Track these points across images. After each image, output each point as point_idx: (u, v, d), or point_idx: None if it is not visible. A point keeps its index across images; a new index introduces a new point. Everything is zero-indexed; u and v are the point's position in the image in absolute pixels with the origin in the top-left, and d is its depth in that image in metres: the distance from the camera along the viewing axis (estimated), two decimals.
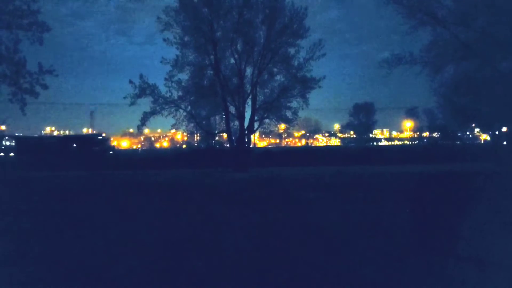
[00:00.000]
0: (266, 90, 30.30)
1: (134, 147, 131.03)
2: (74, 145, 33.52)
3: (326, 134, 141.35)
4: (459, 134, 51.87)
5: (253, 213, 10.96)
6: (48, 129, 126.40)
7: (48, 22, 19.92)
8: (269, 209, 11.55)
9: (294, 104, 29.96)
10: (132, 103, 27.68)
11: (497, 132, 35.34)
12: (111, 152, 42.94)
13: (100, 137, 38.89)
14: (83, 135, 30.30)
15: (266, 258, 6.72)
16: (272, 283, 5.59)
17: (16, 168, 30.57)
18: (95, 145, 38.10)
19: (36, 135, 32.37)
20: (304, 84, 29.28)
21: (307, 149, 70.16)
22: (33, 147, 33.82)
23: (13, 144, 34.23)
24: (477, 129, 51.86)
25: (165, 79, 28.13)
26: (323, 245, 7.53)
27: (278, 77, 30.04)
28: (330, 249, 7.29)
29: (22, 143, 36.18)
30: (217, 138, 43.35)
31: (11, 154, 37.35)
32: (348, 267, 6.24)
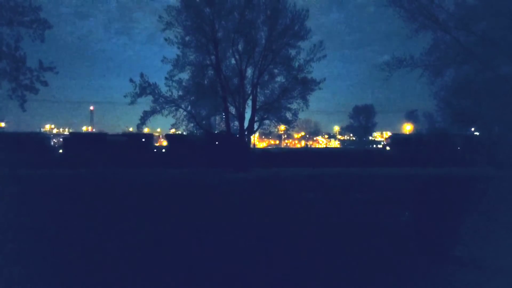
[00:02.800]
0: (266, 91, 30.34)
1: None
2: (217, 142, 34.69)
3: (326, 136, 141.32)
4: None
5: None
6: (47, 127, 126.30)
7: (49, 20, 19.94)
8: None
9: (294, 105, 30.05)
10: (133, 102, 27.68)
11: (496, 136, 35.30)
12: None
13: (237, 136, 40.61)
14: (222, 132, 31.57)
15: None
16: None
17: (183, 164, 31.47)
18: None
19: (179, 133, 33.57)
20: (305, 86, 29.32)
21: (307, 150, 70.24)
22: (180, 145, 35.19)
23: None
24: (476, 133, 51.77)
25: (166, 78, 28.16)
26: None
27: (278, 78, 30.14)
28: (344, 250, 7.29)
29: (173, 141, 37.55)
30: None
31: (163, 151, 38.68)
32: (348, 269, 6.24)
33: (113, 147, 33.80)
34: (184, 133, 31.57)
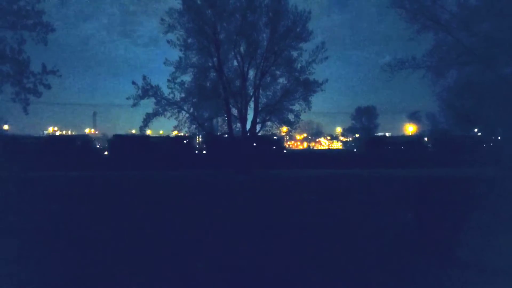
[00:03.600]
0: (268, 93, 30.33)
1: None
2: (254, 144, 35.58)
3: (328, 138, 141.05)
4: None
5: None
6: (50, 129, 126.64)
7: (52, 23, 20.01)
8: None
9: (296, 107, 30.02)
10: (135, 104, 27.75)
11: (499, 137, 35.24)
12: (285, 151, 45.50)
13: (275, 137, 41.09)
14: (265, 135, 32.96)
15: None
16: None
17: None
18: (273, 145, 40.34)
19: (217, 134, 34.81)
20: (307, 87, 29.31)
21: (311, 152, 70.40)
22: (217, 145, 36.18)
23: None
24: (479, 134, 51.64)
25: (168, 80, 28.21)
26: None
27: (280, 80, 30.11)
28: (341, 251, 7.29)
29: (211, 141, 38.27)
30: None
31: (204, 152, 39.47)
32: (349, 271, 6.24)
33: (156, 149, 34.22)
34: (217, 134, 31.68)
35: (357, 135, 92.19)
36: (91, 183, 21.63)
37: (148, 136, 33.94)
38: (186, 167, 31.36)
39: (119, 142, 35.91)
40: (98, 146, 45.77)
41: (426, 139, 51.39)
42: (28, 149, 33.17)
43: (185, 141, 36.68)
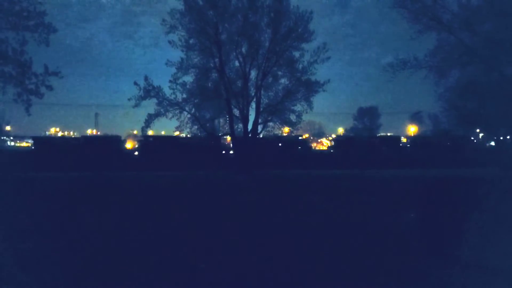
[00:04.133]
0: (270, 93, 30.29)
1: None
2: (280, 145, 37.08)
3: (330, 138, 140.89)
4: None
5: None
6: (52, 130, 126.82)
7: (54, 24, 20.04)
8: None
9: (298, 107, 29.97)
10: (137, 105, 27.76)
11: (501, 138, 35.15)
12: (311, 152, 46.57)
13: (301, 138, 42.08)
14: (292, 136, 34.01)
15: None
16: None
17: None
18: (299, 145, 41.33)
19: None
20: (309, 88, 29.28)
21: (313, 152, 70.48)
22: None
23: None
24: (481, 134, 51.52)
25: (170, 81, 28.22)
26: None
27: (282, 80, 30.07)
28: (339, 250, 7.26)
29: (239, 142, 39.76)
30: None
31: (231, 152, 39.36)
32: (350, 270, 6.21)
33: (185, 150, 34.50)
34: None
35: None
36: (137, 184, 21.83)
37: (177, 137, 34.22)
38: (217, 167, 31.56)
39: (149, 142, 35.85)
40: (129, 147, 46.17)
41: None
42: (65, 149, 34.06)
43: (212, 142, 37.04)
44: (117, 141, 38.15)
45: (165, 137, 38.25)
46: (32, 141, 38.74)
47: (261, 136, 31.46)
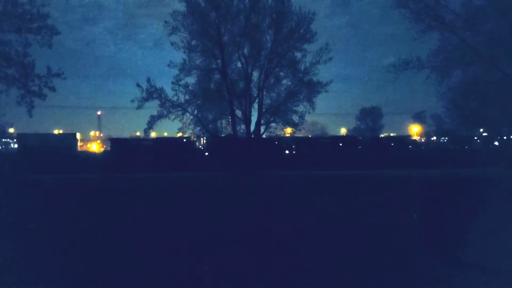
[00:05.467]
0: (272, 94, 30.37)
1: None
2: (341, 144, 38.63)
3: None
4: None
5: None
6: (55, 131, 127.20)
7: (57, 27, 20.11)
8: None
9: (300, 108, 30.03)
10: (140, 107, 27.86)
11: (505, 137, 35.05)
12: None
13: (360, 138, 45.44)
14: (349, 136, 35.81)
15: None
16: None
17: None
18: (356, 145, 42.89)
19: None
20: (311, 88, 29.31)
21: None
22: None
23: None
24: (485, 134, 51.39)
25: (172, 82, 28.32)
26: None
27: (284, 81, 30.15)
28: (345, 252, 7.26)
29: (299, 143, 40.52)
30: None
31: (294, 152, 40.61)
32: (351, 270, 6.21)
33: (249, 150, 34.89)
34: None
35: (433, 138, 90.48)
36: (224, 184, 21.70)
37: (240, 138, 34.59)
38: (277, 168, 31.86)
39: (217, 143, 36.45)
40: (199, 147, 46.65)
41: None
42: (141, 150, 35.54)
43: (276, 142, 37.65)
44: (189, 142, 38.64)
45: (229, 137, 38.86)
46: (110, 143, 40.13)
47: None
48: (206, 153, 38.34)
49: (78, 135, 45.93)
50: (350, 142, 43.68)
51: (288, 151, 40.53)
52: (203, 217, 10.84)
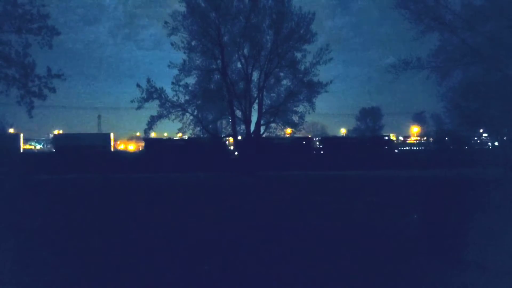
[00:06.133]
0: (272, 94, 30.36)
1: None
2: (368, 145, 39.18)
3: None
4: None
5: None
6: (56, 132, 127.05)
7: (57, 27, 20.10)
8: None
9: (300, 108, 30.03)
10: (140, 107, 27.86)
11: (505, 138, 35.02)
12: (396, 151, 48.47)
13: (386, 138, 45.37)
14: (376, 136, 35.85)
15: None
16: None
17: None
18: (385, 145, 43.31)
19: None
20: (311, 89, 29.30)
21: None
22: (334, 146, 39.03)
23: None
24: (485, 134, 51.37)
25: (172, 83, 28.32)
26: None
27: (284, 82, 30.15)
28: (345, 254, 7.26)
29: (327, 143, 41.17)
30: None
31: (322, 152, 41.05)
32: (352, 270, 6.20)
33: (276, 150, 34.95)
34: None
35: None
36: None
37: (269, 138, 34.64)
38: (307, 167, 32.20)
39: (246, 143, 37.09)
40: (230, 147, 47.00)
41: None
42: (174, 150, 35.77)
43: (304, 142, 38.02)
44: (221, 142, 38.97)
45: (258, 138, 39.18)
46: (144, 143, 40.58)
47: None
48: (236, 153, 38.42)
49: (112, 135, 46.08)
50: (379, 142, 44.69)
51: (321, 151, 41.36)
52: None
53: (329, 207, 12.71)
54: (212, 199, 15.52)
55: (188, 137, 33.50)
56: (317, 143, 44.20)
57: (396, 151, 48.79)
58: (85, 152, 35.80)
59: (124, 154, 53.35)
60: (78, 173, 28.86)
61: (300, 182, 22.99)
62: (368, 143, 40.98)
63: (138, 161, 36.37)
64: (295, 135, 36.48)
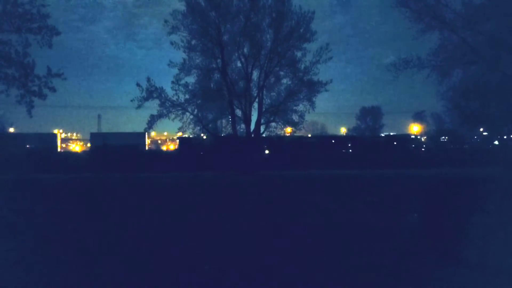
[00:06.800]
0: (272, 94, 30.33)
1: None
2: (395, 143, 39.65)
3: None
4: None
5: None
6: (55, 131, 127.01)
7: (57, 27, 20.07)
8: None
9: (300, 107, 30.01)
10: (139, 106, 27.83)
11: (505, 137, 35.04)
12: (422, 149, 48.07)
13: (413, 136, 46.72)
14: (402, 134, 35.54)
15: None
16: None
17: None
18: (410, 143, 43.79)
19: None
20: (311, 88, 29.28)
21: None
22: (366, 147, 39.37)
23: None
24: (485, 133, 51.38)
25: (172, 82, 28.28)
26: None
27: (284, 81, 30.13)
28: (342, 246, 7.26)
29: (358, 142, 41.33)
30: None
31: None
32: (352, 269, 6.21)
33: (306, 148, 35.49)
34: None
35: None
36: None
37: (302, 137, 34.47)
38: (339, 166, 32.17)
39: (274, 142, 36.81)
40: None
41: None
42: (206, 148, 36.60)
43: (333, 141, 38.72)
44: (255, 141, 39.09)
45: (290, 137, 38.43)
46: (178, 141, 41.08)
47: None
48: (267, 152, 38.34)
49: (146, 134, 45.87)
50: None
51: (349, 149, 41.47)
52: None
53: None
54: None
55: (221, 136, 33.52)
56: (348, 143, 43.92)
57: (422, 149, 48.44)
58: (121, 151, 36.15)
59: (157, 152, 53.24)
60: (121, 172, 27.91)
61: (351, 181, 22.63)
62: (394, 142, 41.33)
63: (175, 160, 36.14)
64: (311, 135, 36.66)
